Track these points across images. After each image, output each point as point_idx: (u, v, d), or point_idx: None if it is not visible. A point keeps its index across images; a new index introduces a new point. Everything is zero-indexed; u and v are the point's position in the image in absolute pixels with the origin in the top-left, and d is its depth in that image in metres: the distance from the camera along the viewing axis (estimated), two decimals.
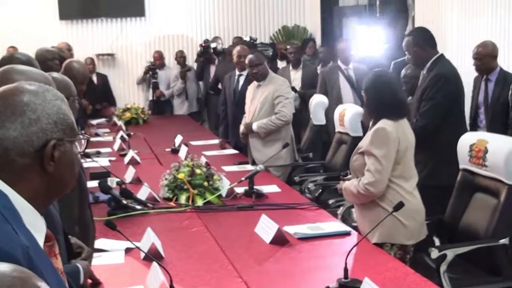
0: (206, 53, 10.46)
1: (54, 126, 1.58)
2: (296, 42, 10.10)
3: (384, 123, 3.85)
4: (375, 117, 3.94)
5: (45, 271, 1.47)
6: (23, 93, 1.58)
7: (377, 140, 3.82)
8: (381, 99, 3.91)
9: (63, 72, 4.39)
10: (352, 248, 3.09)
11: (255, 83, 6.22)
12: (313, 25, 11.57)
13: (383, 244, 3.76)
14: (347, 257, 3.04)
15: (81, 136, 1.82)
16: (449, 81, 4.89)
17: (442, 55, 5.06)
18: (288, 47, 9.42)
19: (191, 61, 11.24)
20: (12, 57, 3.13)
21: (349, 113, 6.21)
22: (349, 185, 3.95)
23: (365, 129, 5.35)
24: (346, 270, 3.02)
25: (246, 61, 6.20)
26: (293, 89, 8.45)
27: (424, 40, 5.06)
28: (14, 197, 1.55)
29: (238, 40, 10.21)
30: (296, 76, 8.89)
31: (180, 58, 10.89)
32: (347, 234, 3.85)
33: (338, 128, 6.44)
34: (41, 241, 1.61)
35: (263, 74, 6.11)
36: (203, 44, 10.51)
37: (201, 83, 11.00)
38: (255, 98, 6.12)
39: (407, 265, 3.51)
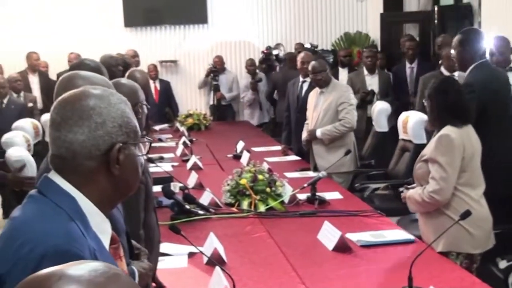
0: (268, 60, 10.46)
1: (119, 129, 1.61)
2: (374, 48, 9.86)
3: (448, 130, 3.78)
4: (439, 123, 3.87)
5: None
6: (89, 98, 1.61)
7: (441, 147, 3.76)
8: (445, 105, 3.84)
9: (127, 76, 4.46)
10: (417, 257, 3.03)
11: (317, 89, 6.22)
12: (375, 32, 11.46)
13: (448, 253, 3.69)
14: (411, 265, 2.99)
15: (144, 139, 1.84)
16: (473, 90, 4.52)
17: (485, 61, 4.79)
18: (364, 50, 9.28)
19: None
20: (81, 63, 3.19)
21: (412, 120, 6.12)
22: (413, 193, 3.89)
23: (429, 136, 5.23)
24: (410, 278, 2.97)
25: (309, 68, 6.20)
26: (373, 92, 8.35)
27: (468, 42, 4.76)
28: (81, 200, 1.59)
29: (300, 47, 10.15)
30: (372, 82, 8.60)
31: (250, 67, 10.72)
32: (411, 242, 3.79)
33: (401, 135, 6.36)
34: (106, 243, 1.63)
35: (326, 81, 6.11)
36: (266, 51, 10.51)
37: None
38: (318, 105, 6.12)
39: (473, 274, 3.43)
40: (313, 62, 6.22)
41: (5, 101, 7.97)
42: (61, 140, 1.58)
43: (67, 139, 1.57)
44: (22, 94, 8.87)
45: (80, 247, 1.48)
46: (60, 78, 2.53)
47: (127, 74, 4.74)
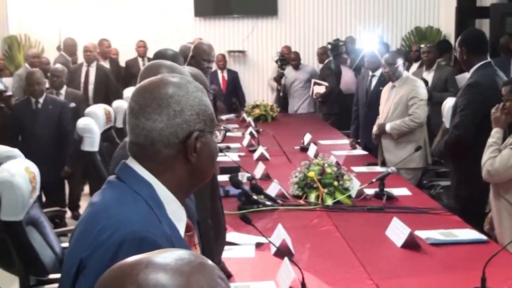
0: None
1: (196, 117, 1.60)
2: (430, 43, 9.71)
3: None
4: None
5: None
6: (167, 85, 1.61)
7: None
8: None
9: (192, 49, 4.49)
10: (492, 256, 2.95)
11: (390, 83, 6.14)
12: (447, 27, 11.24)
13: None
14: (485, 266, 2.91)
15: (221, 127, 1.84)
16: (480, 91, 4.57)
17: (488, 62, 4.74)
18: (421, 46, 9.15)
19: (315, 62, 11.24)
20: (161, 53, 3.27)
21: None
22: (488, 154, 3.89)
23: None
24: (484, 279, 2.89)
25: (382, 61, 6.14)
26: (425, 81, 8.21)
27: (467, 43, 4.77)
28: (158, 187, 1.59)
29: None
30: (428, 77, 8.42)
31: (293, 61, 10.50)
32: (483, 242, 3.69)
33: None
34: (182, 230, 1.64)
35: (394, 74, 6.02)
36: (333, 43, 10.47)
37: None
38: (389, 99, 6.05)
39: None
40: (386, 55, 6.20)
41: (41, 100, 6.78)
42: (139, 128, 1.59)
43: (146, 126, 1.58)
44: (63, 90, 7.62)
45: (157, 233, 1.49)
46: (145, 66, 2.55)
47: (193, 45, 4.75)
